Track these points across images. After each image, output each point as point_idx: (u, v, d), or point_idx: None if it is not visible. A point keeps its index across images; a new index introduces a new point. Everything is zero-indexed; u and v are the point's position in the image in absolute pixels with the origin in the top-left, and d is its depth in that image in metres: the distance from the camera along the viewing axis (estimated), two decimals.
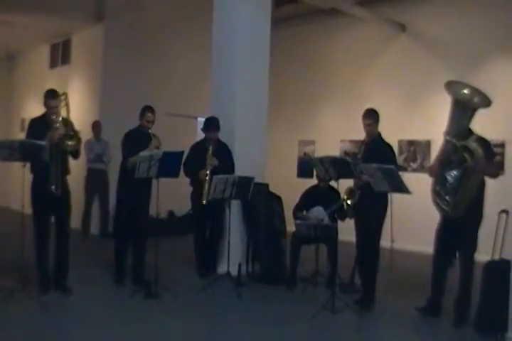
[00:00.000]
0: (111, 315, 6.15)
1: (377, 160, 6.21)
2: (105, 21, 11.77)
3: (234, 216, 7.91)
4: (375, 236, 6.64)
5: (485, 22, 10.17)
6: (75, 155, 6.82)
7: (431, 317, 6.28)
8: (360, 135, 7.03)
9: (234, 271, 7.62)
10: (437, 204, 6.16)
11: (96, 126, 11.13)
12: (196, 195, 7.80)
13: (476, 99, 5.89)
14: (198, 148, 7.94)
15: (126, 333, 5.58)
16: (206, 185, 7.49)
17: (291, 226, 7.57)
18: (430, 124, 10.21)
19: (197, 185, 7.80)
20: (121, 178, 7.39)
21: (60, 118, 6.54)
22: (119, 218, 7.60)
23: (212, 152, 7.74)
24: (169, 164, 6.63)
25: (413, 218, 9.81)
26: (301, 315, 6.37)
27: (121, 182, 7.45)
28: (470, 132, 6.04)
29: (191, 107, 12.19)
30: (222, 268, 7.85)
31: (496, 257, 5.99)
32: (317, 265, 7.78)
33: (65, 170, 6.77)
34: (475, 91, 5.93)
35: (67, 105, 6.68)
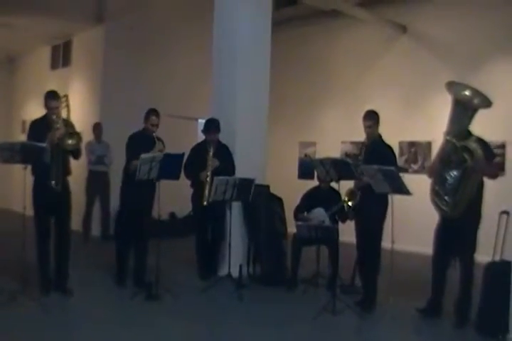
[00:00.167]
0: (112, 316, 6.15)
1: (377, 161, 6.21)
2: (106, 23, 11.79)
3: (235, 217, 7.91)
4: (375, 237, 6.65)
5: (485, 23, 10.17)
6: (76, 154, 6.83)
7: (432, 318, 6.28)
8: (361, 136, 7.03)
9: (235, 273, 7.61)
10: (436, 205, 6.16)
11: (97, 128, 11.12)
12: (197, 197, 7.80)
13: (476, 100, 5.91)
14: (199, 150, 7.93)
15: (127, 335, 5.59)
16: (207, 187, 7.50)
17: (292, 228, 7.56)
18: (431, 125, 10.21)
19: (198, 186, 7.80)
20: (125, 181, 7.38)
21: (61, 120, 6.55)
22: (122, 220, 7.61)
23: (213, 154, 7.74)
24: (170, 166, 6.63)
25: (414, 219, 9.81)
26: (302, 316, 6.37)
27: (124, 185, 7.45)
28: (469, 133, 6.05)
29: (192, 109, 12.19)
30: (223, 270, 7.84)
31: (497, 258, 5.99)
32: (318, 266, 7.78)
33: (66, 171, 6.78)
34: (475, 92, 5.95)
35: (67, 106, 6.70)
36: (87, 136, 10.41)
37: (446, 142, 6.08)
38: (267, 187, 8.39)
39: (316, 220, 7.26)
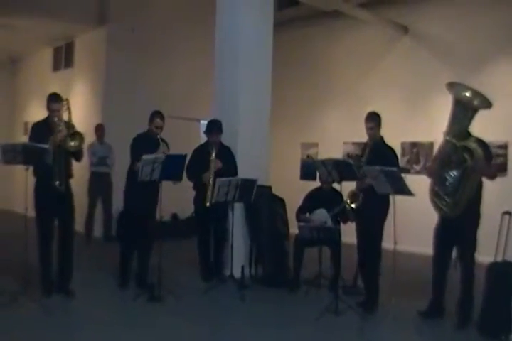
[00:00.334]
0: (114, 318, 6.15)
1: (380, 163, 6.21)
2: (108, 24, 11.80)
3: (237, 219, 7.91)
4: (376, 238, 6.65)
5: (487, 24, 10.17)
6: (78, 156, 6.84)
7: (434, 319, 6.27)
8: (363, 137, 7.04)
9: (237, 274, 7.62)
10: (435, 205, 6.17)
11: (99, 130, 11.13)
12: (199, 199, 7.79)
13: (476, 101, 5.93)
14: (201, 151, 7.93)
15: (130, 336, 5.59)
16: (210, 188, 7.49)
17: (294, 229, 7.56)
18: (433, 126, 10.20)
19: (200, 188, 7.79)
20: (129, 182, 7.38)
21: (62, 122, 6.56)
22: (126, 221, 7.62)
23: (216, 155, 7.73)
24: (172, 167, 6.63)
25: (416, 219, 9.79)
26: (305, 317, 6.37)
27: (128, 187, 7.46)
28: (469, 133, 6.06)
29: (194, 110, 12.19)
30: (225, 271, 7.85)
31: (499, 259, 5.99)
32: (320, 267, 7.77)
33: (68, 173, 6.79)
34: (476, 93, 5.96)
35: (68, 110, 6.71)
36: (90, 137, 10.41)
37: (446, 142, 6.09)
38: (269, 188, 8.40)
39: (318, 221, 7.27)
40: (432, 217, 6.45)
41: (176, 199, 8.95)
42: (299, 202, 7.90)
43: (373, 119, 6.80)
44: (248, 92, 8.36)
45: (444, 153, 6.10)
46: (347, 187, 6.80)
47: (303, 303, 7.07)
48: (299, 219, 7.58)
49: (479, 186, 6.06)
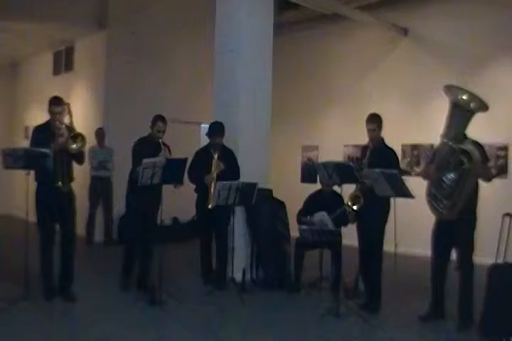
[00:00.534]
0: (115, 321, 6.13)
1: (381, 165, 6.22)
2: (108, 28, 11.80)
3: (238, 222, 7.91)
4: (377, 240, 6.65)
5: (487, 26, 10.17)
6: (80, 159, 6.84)
7: (435, 322, 6.26)
8: (364, 140, 7.04)
9: (238, 277, 7.62)
10: (433, 207, 6.18)
11: (99, 134, 11.14)
12: (201, 202, 7.75)
13: (473, 104, 5.95)
14: (203, 154, 7.91)
15: (130, 340, 5.60)
16: (212, 190, 7.47)
17: (295, 232, 7.55)
18: (433, 128, 10.14)
19: (202, 191, 7.77)
20: (131, 187, 7.37)
21: (64, 125, 6.57)
22: (130, 225, 7.63)
23: (219, 158, 7.73)
24: (173, 171, 6.63)
25: (416, 222, 9.78)
26: (306, 320, 6.36)
27: (130, 191, 7.46)
28: (465, 136, 6.08)
29: (195, 113, 12.19)
30: (226, 274, 7.84)
31: (500, 260, 5.99)
32: (321, 270, 7.77)
33: (70, 176, 6.79)
34: (473, 96, 5.98)
35: (70, 113, 6.72)
36: (90, 141, 10.38)
37: (443, 145, 6.10)
38: (270, 191, 8.40)
39: (319, 224, 7.26)
40: (433, 219, 6.45)
41: (177, 203, 8.96)
42: (300, 205, 7.90)
43: (374, 121, 6.80)
44: (248, 95, 8.36)
45: (441, 155, 6.11)
46: (348, 190, 6.80)
47: (304, 306, 7.06)
48: (299, 221, 7.56)
49: (476, 188, 6.07)
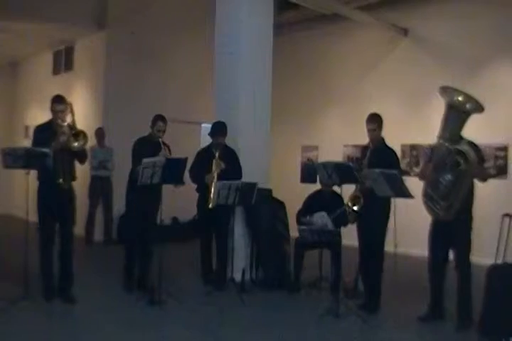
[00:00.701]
0: (115, 322, 6.14)
1: (381, 165, 6.22)
2: (107, 28, 11.80)
3: (237, 222, 7.92)
4: (378, 241, 6.65)
5: (487, 26, 10.17)
6: (82, 157, 6.84)
7: (435, 322, 6.26)
8: (363, 140, 7.05)
9: (238, 277, 7.62)
10: (429, 207, 6.20)
11: (99, 133, 11.14)
12: (203, 201, 7.74)
13: (468, 105, 5.97)
14: (205, 153, 7.90)
15: (130, 340, 5.61)
16: (213, 190, 7.46)
17: (294, 232, 7.56)
18: (433, 128, 10.17)
19: (203, 191, 7.76)
20: (131, 186, 7.36)
21: (66, 124, 6.56)
22: (130, 225, 7.63)
23: (220, 157, 7.72)
24: (172, 171, 6.63)
25: (416, 222, 9.77)
26: (306, 320, 6.37)
27: (130, 190, 7.46)
28: (460, 137, 6.09)
29: (195, 113, 12.19)
30: (226, 275, 7.84)
31: (500, 261, 5.99)
32: (321, 270, 7.78)
33: (72, 175, 6.80)
34: (468, 97, 5.99)
35: (72, 113, 6.72)
36: (90, 141, 10.37)
37: (439, 146, 6.11)
38: (270, 191, 8.40)
39: (318, 224, 7.27)
40: None
41: (177, 202, 8.97)
42: (300, 205, 7.90)
43: (375, 121, 6.80)
44: (248, 95, 8.36)
45: (438, 156, 6.12)
46: (347, 190, 6.81)
47: (304, 306, 7.06)
48: (299, 222, 7.57)
49: (471, 188, 6.09)
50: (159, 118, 7.37)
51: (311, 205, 7.75)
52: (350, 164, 6.80)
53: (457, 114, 6.04)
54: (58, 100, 6.68)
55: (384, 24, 11.38)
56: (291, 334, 5.93)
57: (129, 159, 7.32)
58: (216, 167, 7.60)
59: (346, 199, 6.86)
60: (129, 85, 11.71)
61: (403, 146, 11.08)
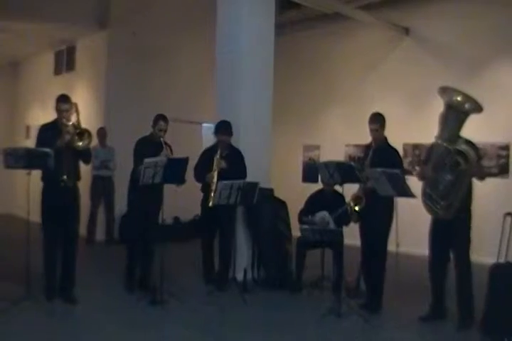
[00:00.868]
0: (116, 321, 6.14)
1: (384, 165, 6.21)
2: (109, 28, 11.80)
3: (239, 221, 7.92)
4: (381, 240, 6.65)
5: (488, 25, 10.15)
6: (86, 158, 6.85)
7: (436, 322, 6.26)
8: (365, 139, 7.04)
9: (240, 277, 7.62)
10: (428, 207, 6.19)
11: (101, 133, 11.14)
12: (206, 200, 7.73)
13: (467, 105, 5.95)
14: (209, 153, 7.88)
15: (131, 340, 5.61)
16: (213, 188, 7.44)
17: (296, 231, 7.55)
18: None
19: (207, 190, 7.73)
20: (133, 186, 7.36)
21: (71, 123, 6.56)
22: (131, 225, 7.63)
23: (223, 156, 7.67)
24: (174, 170, 6.63)
25: (418, 221, 9.76)
26: (307, 319, 6.37)
27: (132, 190, 7.46)
28: (458, 136, 6.08)
29: (196, 113, 12.20)
30: (228, 275, 7.82)
31: (502, 260, 5.98)
32: (322, 269, 7.77)
33: (77, 175, 6.80)
34: (467, 97, 5.98)
35: (77, 113, 6.72)
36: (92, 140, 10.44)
37: (438, 146, 6.10)
38: (271, 190, 8.39)
39: (320, 223, 7.26)
40: None
41: (178, 202, 8.96)
42: (301, 204, 7.90)
43: (377, 121, 6.77)
44: (250, 95, 8.36)
45: (437, 156, 6.11)
46: (349, 190, 6.80)
47: (305, 306, 7.06)
48: (301, 221, 7.56)
49: (470, 187, 6.08)
50: (161, 117, 7.37)
51: (312, 205, 7.75)
52: (352, 163, 6.79)
53: (456, 114, 6.03)
54: (63, 99, 6.69)
55: (385, 23, 11.36)
56: (292, 333, 5.93)
57: (131, 159, 7.32)
58: (216, 165, 7.59)
59: (348, 199, 6.86)
60: (130, 85, 11.71)
61: (405, 145, 11.07)
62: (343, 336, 5.92)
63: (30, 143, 7.08)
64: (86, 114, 11.55)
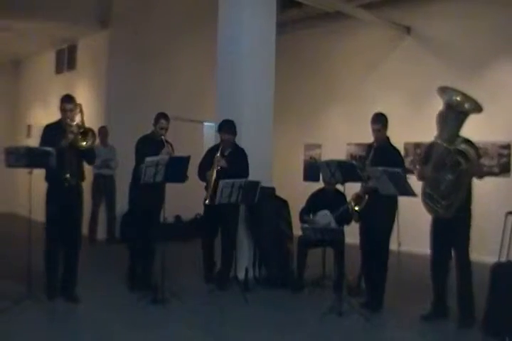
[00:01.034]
0: (117, 320, 6.14)
1: (385, 164, 6.20)
2: (110, 27, 11.80)
3: (240, 220, 7.92)
4: (383, 239, 6.65)
5: (490, 24, 10.15)
6: (90, 158, 6.86)
7: (438, 320, 6.25)
8: (367, 138, 7.04)
9: (241, 276, 7.62)
10: (428, 206, 6.20)
11: (102, 132, 11.14)
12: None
13: (467, 105, 5.95)
14: (213, 151, 7.88)
15: (133, 339, 5.61)
16: (210, 186, 7.43)
17: (297, 230, 7.55)
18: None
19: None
20: (134, 184, 7.36)
21: (75, 123, 6.56)
22: (133, 223, 7.62)
23: (224, 155, 7.67)
24: (175, 169, 6.63)
25: (420, 220, 9.76)
26: (308, 318, 6.36)
27: (133, 189, 7.46)
28: (457, 136, 6.07)
29: (197, 112, 12.20)
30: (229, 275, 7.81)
31: (503, 259, 5.98)
32: (324, 268, 7.77)
33: (81, 175, 6.80)
34: (466, 97, 5.97)
35: (81, 113, 6.72)
36: None
37: (438, 146, 6.09)
38: (273, 189, 8.39)
39: (321, 222, 7.26)
40: None
41: (180, 201, 8.96)
42: (303, 203, 7.91)
43: (379, 121, 6.76)
44: (251, 94, 8.36)
45: (437, 156, 6.11)
46: (350, 189, 6.80)
47: (307, 305, 7.06)
48: (302, 220, 7.57)
49: (469, 186, 6.09)
50: (162, 116, 7.37)
51: (314, 204, 7.75)
52: (354, 162, 6.79)
53: (456, 114, 6.02)
54: (67, 99, 6.71)
55: (386, 22, 11.36)
56: (294, 332, 5.92)
57: (132, 157, 7.33)
58: (215, 164, 7.58)
59: (349, 199, 6.86)
60: (131, 84, 11.71)
61: (406, 144, 11.07)
62: (345, 335, 5.93)
63: (32, 141, 7.08)
64: (87, 112, 11.40)
